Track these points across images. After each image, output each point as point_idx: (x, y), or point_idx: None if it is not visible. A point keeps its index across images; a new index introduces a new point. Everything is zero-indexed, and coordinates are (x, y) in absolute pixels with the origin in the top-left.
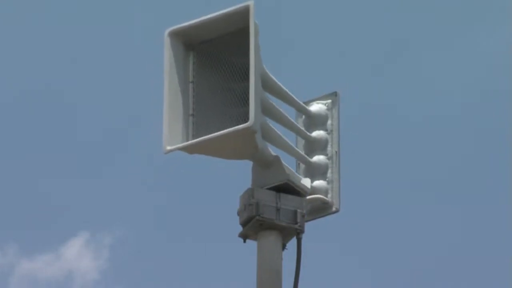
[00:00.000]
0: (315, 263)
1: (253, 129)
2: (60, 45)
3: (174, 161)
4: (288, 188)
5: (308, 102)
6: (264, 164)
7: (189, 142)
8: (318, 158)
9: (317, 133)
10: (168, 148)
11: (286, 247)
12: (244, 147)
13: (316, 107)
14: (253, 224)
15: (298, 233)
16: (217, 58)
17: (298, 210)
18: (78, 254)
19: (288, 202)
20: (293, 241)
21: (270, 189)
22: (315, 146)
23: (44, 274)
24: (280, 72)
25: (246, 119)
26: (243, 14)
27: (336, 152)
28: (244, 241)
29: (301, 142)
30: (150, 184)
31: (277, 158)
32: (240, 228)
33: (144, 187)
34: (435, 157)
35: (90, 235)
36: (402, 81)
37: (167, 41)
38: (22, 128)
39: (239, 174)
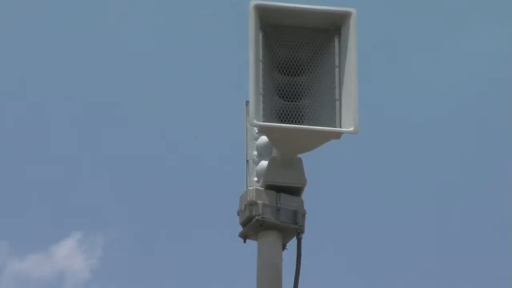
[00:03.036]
0: (316, 264)
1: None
2: (63, 41)
3: (172, 161)
4: (289, 189)
5: None
6: (285, 163)
7: (281, 125)
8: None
9: None
10: (255, 122)
11: (286, 247)
12: (306, 145)
13: None
14: (253, 224)
15: (298, 233)
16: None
17: (298, 210)
18: (69, 254)
19: (288, 202)
20: (293, 241)
21: (270, 189)
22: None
23: (35, 273)
24: None
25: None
26: (335, 17)
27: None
28: (244, 241)
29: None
30: (148, 183)
31: (299, 160)
32: (240, 228)
33: (142, 187)
34: (426, 157)
35: (83, 235)
36: (393, 82)
37: (252, 13)
38: (18, 127)
39: (239, 174)
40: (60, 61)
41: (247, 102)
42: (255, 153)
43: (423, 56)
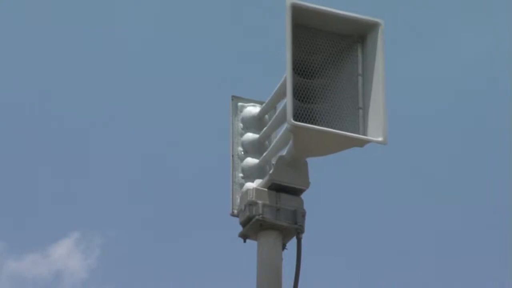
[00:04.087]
0: (316, 264)
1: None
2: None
3: (169, 160)
4: (290, 189)
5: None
6: (293, 164)
7: (314, 126)
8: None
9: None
10: (293, 122)
11: (286, 247)
12: (326, 149)
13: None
14: (253, 224)
15: (298, 233)
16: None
17: (298, 210)
18: (67, 254)
19: (288, 202)
20: (293, 241)
21: (270, 189)
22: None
23: (32, 273)
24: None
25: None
26: (362, 25)
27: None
28: (244, 241)
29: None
30: (148, 183)
31: (305, 162)
32: (240, 228)
33: (142, 186)
34: (424, 156)
35: (80, 235)
36: (390, 80)
37: (288, 12)
38: (16, 127)
39: None
40: (58, 61)
41: (233, 97)
42: (240, 148)
43: (420, 55)
